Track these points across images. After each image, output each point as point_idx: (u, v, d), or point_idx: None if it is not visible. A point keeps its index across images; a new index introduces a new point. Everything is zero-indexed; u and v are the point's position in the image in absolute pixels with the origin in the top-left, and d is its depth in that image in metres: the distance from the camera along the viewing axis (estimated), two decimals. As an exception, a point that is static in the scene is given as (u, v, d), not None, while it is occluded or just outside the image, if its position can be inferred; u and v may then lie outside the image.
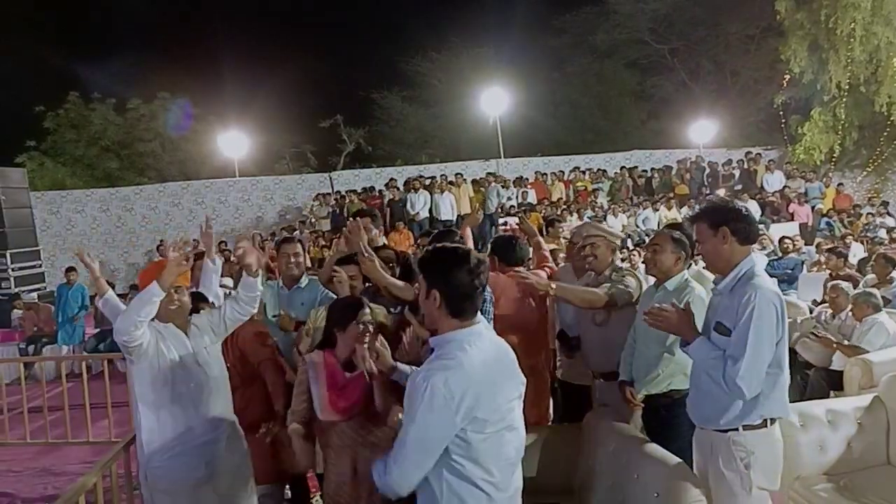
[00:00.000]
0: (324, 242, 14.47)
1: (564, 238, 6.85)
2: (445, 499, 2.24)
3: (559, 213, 14.47)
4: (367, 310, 3.19)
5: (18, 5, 26.08)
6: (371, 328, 3.11)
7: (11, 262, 13.00)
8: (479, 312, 2.38)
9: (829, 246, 10.74)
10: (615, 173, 18.17)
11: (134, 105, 24.60)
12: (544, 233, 7.15)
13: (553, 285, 3.87)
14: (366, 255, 3.68)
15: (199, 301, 3.85)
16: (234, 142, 21.14)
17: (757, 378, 2.83)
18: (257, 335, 4.07)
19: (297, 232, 16.47)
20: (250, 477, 3.76)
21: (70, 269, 11.37)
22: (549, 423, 4.58)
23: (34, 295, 11.78)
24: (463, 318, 2.30)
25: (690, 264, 4.04)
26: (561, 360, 4.70)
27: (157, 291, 3.19)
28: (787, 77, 19.14)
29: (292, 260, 4.62)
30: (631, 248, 11.30)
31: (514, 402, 2.38)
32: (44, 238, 16.60)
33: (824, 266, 9.26)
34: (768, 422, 3.00)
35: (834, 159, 18.81)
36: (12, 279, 12.86)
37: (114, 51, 27.49)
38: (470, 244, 4.04)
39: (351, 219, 4.54)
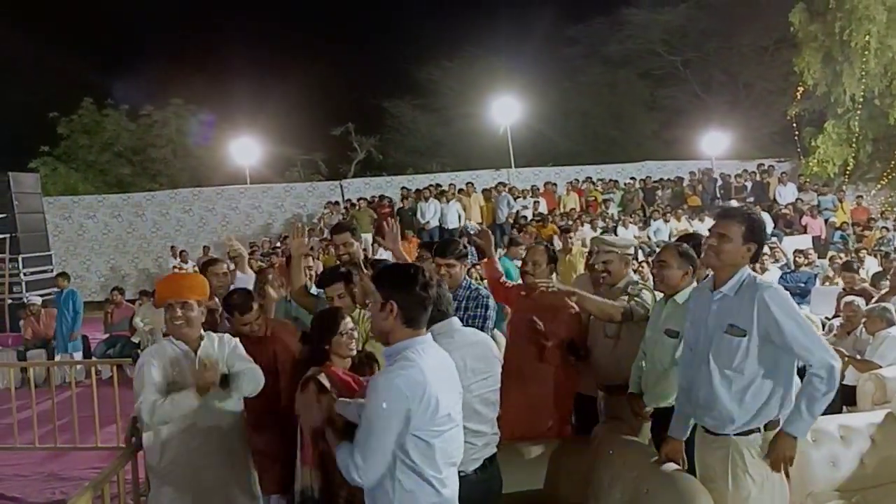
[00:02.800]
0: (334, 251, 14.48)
1: (584, 247, 6.85)
2: (398, 495, 2.42)
3: (570, 222, 14.44)
4: (349, 319, 3.26)
5: (33, 13, 26.38)
6: (355, 335, 3.24)
7: (23, 267, 12.98)
8: (426, 324, 2.57)
9: (842, 260, 10.62)
10: (626, 184, 18.09)
11: (146, 111, 24.82)
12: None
13: (576, 295, 3.98)
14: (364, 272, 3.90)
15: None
16: (245, 149, 21.23)
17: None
18: (290, 334, 4.08)
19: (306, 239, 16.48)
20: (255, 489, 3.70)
21: (61, 275, 11.25)
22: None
23: (38, 299, 11.36)
24: (416, 328, 2.52)
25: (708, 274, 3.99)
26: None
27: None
28: (801, 89, 19.00)
29: None
30: (640, 259, 11.23)
31: (458, 405, 2.59)
32: (55, 243, 16.63)
33: (837, 280, 9.17)
34: None
35: (848, 172, 18.64)
36: (24, 284, 12.83)
37: (127, 58, 27.87)
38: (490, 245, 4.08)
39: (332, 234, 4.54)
